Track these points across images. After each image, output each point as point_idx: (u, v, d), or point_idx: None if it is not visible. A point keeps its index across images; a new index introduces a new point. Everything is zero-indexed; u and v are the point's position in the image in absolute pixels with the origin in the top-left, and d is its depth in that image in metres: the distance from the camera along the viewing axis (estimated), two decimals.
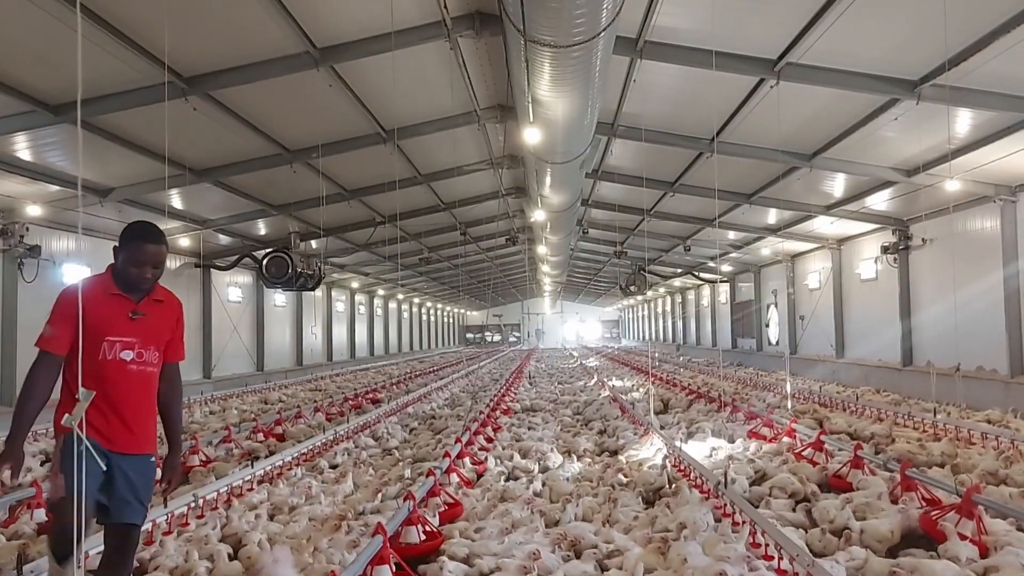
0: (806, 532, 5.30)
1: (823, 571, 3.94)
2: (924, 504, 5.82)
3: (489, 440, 9.70)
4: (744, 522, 5.16)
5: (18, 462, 3.11)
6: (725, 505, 5.72)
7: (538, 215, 16.03)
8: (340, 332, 32.27)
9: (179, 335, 3.59)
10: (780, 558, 4.41)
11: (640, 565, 4.48)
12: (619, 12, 6.35)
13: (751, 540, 4.87)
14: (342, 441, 9.76)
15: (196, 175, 12.39)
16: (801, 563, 4.09)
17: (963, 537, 4.85)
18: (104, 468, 3.12)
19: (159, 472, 3.54)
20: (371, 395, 16.34)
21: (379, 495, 6.71)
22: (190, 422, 12.90)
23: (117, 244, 3.39)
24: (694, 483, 6.64)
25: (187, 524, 5.64)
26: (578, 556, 4.84)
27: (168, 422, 3.59)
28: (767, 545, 4.67)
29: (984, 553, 4.75)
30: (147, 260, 3.34)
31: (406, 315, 46.55)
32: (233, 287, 22.13)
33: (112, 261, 3.43)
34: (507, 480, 7.48)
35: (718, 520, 5.52)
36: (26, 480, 7.60)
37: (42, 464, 8.66)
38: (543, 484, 7.13)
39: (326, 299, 30.24)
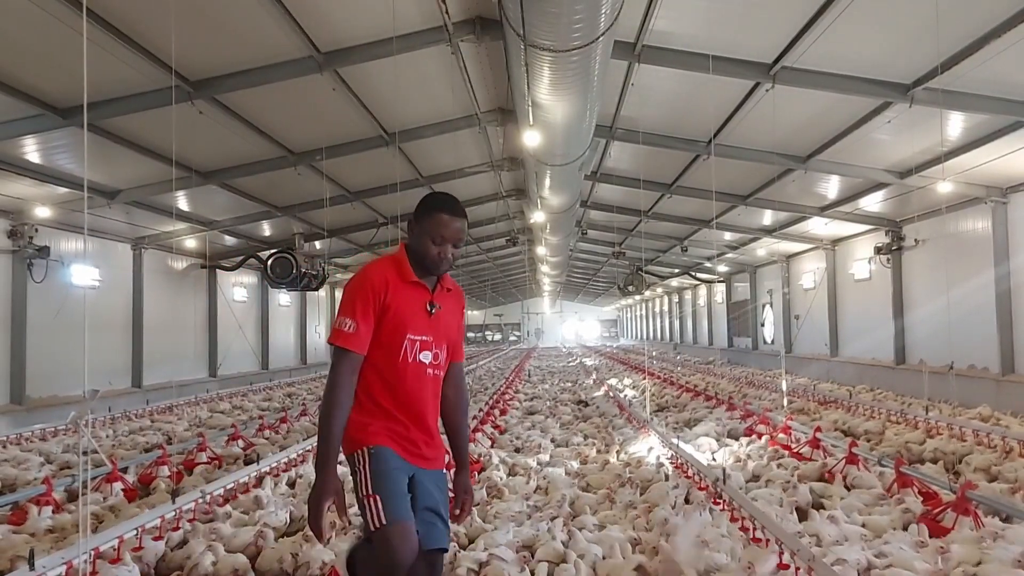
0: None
1: (824, 566, 3.93)
2: (922, 499, 5.98)
3: (492, 441, 9.86)
4: (744, 517, 5.23)
5: (340, 495, 2.58)
6: (724, 501, 5.77)
7: (538, 216, 16.19)
8: None
9: (463, 332, 3.06)
10: (781, 552, 4.38)
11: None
12: (617, 17, 6.48)
13: (752, 535, 4.92)
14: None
15: (202, 177, 12.58)
16: (803, 558, 4.06)
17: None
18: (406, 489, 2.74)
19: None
20: None
21: None
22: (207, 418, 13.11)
23: (412, 218, 2.81)
24: (693, 479, 6.73)
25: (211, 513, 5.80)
26: None
27: (456, 434, 3.02)
28: (768, 540, 4.65)
29: None
30: (449, 236, 2.73)
31: None
32: (238, 287, 22.34)
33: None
34: (508, 476, 7.63)
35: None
36: (39, 476, 7.81)
37: (43, 464, 8.68)
38: (545, 478, 7.31)
39: (329, 299, 30.38)
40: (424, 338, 2.78)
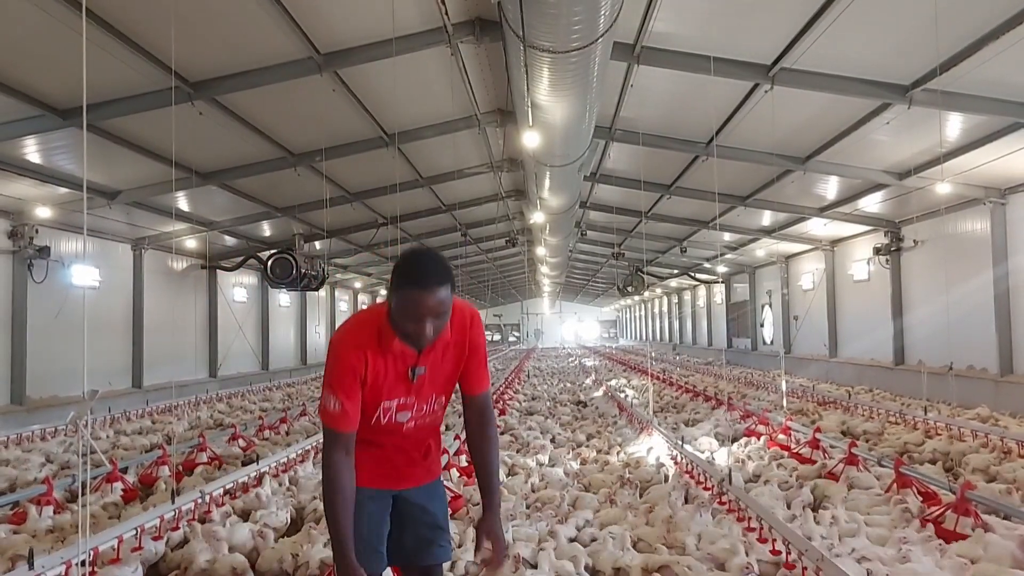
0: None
1: (833, 566, 3.93)
2: (921, 499, 6.01)
3: None
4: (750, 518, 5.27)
5: None
6: (730, 501, 5.80)
7: (537, 217, 16.19)
8: None
9: (478, 361, 2.75)
10: (788, 553, 4.43)
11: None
12: (616, 18, 6.49)
13: (760, 535, 4.95)
14: None
15: (202, 178, 12.60)
16: (811, 558, 4.09)
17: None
18: (388, 512, 2.73)
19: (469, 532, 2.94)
20: None
21: None
22: (209, 417, 13.12)
23: (390, 281, 2.54)
24: (696, 480, 6.75)
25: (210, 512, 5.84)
26: None
27: (482, 470, 2.76)
28: (775, 540, 4.69)
29: None
30: (425, 312, 2.40)
31: None
32: (238, 288, 22.37)
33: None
34: (507, 476, 7.64)
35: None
36: (40, 476, 7.83)
37: (44, 464, 8.71)
38: (543, 478, 7.33)
39: (329, 299, 30.42)
40: (402, 400, 2.62)
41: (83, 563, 4.19)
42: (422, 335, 2.45)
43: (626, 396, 14.78)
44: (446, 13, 8.17)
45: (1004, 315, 12.52)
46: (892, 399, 13.61)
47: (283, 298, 25.48)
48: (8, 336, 13.02)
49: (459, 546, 4.90)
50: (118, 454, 9.14)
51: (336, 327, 28.42)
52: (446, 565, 4.51)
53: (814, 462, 7.61)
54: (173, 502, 5.64)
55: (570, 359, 33.40)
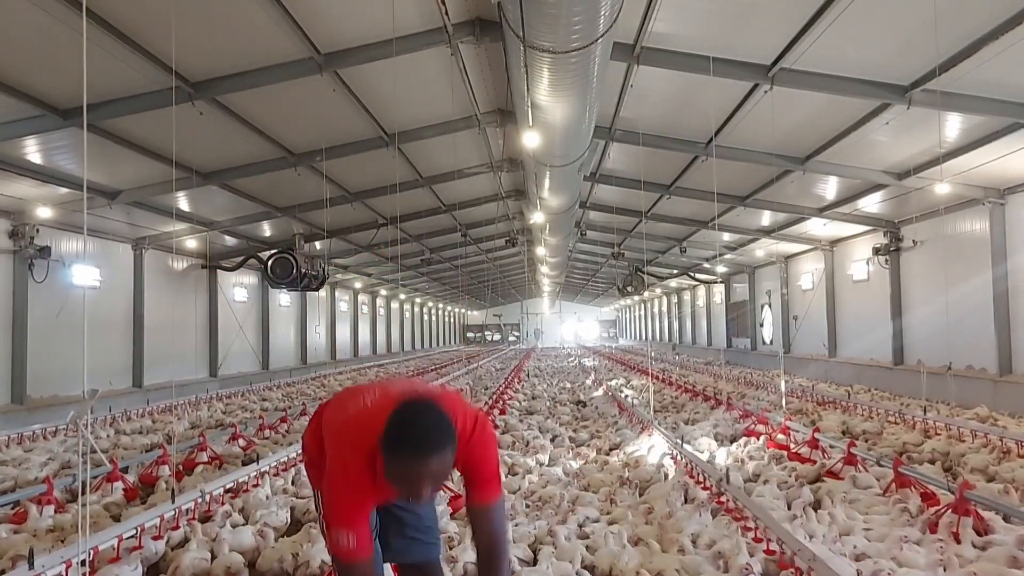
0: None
1: (825, 567, 3.97)
2: (920, 499, 6.01)
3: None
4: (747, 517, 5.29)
5: None
6: (727, 501, 5.81)
7: (537, 217, 16.21)
8: (343, 331, 32.51)
9: (481, 471, 2.51)
10: (783, 553, 4.46)
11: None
12: (616, 19, 6.51)
13: (756, 535, 4.97)
14: None
15: (203, 178, 12.63)
16: (803, 558, 4.12)
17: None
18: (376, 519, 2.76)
19: None
20: None
21: None
22: (208, 417, 13.11)
23: (382, 443, 2.25)
24: (696, 480, 6.74)
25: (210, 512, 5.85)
26: None
27: None
28: (770, 540, 4.72)
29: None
30: (426, 478, 2.21)
31: (408, 314, 46.75)
32: (239, 287, 22.41)
33: None
34: (507, 476, 7.65)
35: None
36: (40, 476, 7.84)
37: (45, 464, 8.72)
38: (542, 475, 7.34)
39: (330, 299, 30.44)
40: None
41: (83, 562, 4.20)
42: (419, 497, 2.27)
43: (626, 396, 14.78)
44: (446, 13, 8.18)
45: (1003, 315, 12.53)
46: (891, 399, 13.62)
47: (283, 298, 25.52)
48: (9, 336, 13.04)
49: (459, 544, 4.93)
50: (118, 454, 9.15)
51: (336, 327, 28.05)
52: (446, 565, 4.54)
53: (813, 462, 7.61)
54: (173, 502, 5.65)
55: (570, 359, 33.39)
